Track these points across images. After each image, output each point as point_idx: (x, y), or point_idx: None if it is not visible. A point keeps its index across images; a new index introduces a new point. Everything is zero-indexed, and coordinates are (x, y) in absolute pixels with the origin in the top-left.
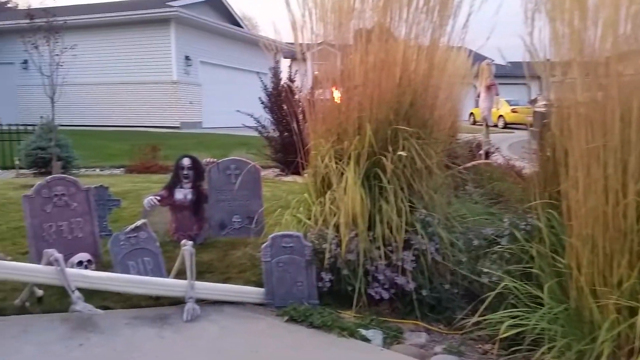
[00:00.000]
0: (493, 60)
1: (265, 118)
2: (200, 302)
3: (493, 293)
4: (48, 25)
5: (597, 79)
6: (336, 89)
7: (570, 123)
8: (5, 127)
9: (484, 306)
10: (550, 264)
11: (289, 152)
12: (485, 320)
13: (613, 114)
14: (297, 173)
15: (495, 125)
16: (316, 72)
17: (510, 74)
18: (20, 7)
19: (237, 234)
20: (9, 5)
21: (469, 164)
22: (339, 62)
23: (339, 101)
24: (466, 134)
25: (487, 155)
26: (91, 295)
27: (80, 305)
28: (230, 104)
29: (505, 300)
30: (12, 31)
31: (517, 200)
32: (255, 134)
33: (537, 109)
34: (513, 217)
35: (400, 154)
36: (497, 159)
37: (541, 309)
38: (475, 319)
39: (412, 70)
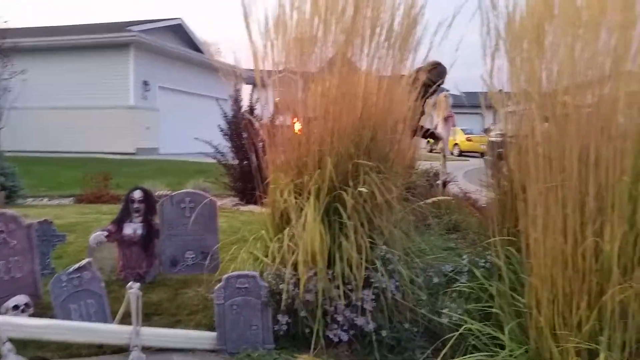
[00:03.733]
0: (449, 92)
1: (225, 146)
2: (147, 349)
3: (455, 335)
4: None
5: (553, 109)
6: (297, 120)
7: (528, 159)
8: None
9: (445, 350)
10: (510, 303)
11: (248, 181)
12: None
13: (571, 152)
14: (256, 203)
15: (452, 153)
16: (277, 99)
17: (464, 104)
18: None
19: (190, 271)
20: None
21: (430, 200)
22: (300, 91)
23: (299, 133)
24: (424, 162)
25: (445, 185)
26: (26, 343)
27: (12, 358)
28: (188, 130)
29: (466, 340)
30: None
31: (474, 233)
32: (214, 161)
33: (491, 138)
34: (472, 253)
35: (360, 190)
36: (453, 189)
37: (502, 351)
38: None
39: (373, 104)
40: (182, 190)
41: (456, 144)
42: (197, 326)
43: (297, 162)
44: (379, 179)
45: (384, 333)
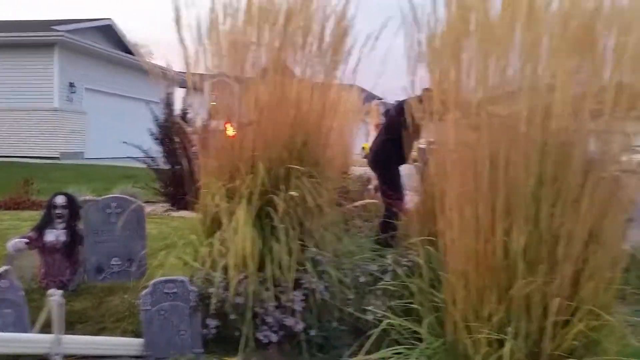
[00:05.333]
0: (383, 100)
1: (155, 150)
2: (70, 357)
3: (376, 330)
4: None
5: (469, 119)
6: (230, 125)
7: (446, 164)
8: None
9: (367, 345)
10: (429, 299)
11: (179, 187)
12: (368, 358)
13: (483, 158)
14: (188, 208)
15: None
16: (212, 103)
17: None
18: None
19: (117, 278)
20: None
21: (357, 203)
22: (233, 96)
23: (232, 138)
24: (359, 168)
25: (377, 190)
26: None
27: None
28: (117, 134)
29: (389, 335)
30: None
31: (400, 234)
32: (144, 165)
33: (420, 146)
34: (396, 253)
35: (291, 194)
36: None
37: (421, 344)
38: (359, 358)
39: (306, 110)
40: (108, 195)
41: None
42: (124, 333)
43: (230, 166)
44: (311, 183)
45: (312, 332)
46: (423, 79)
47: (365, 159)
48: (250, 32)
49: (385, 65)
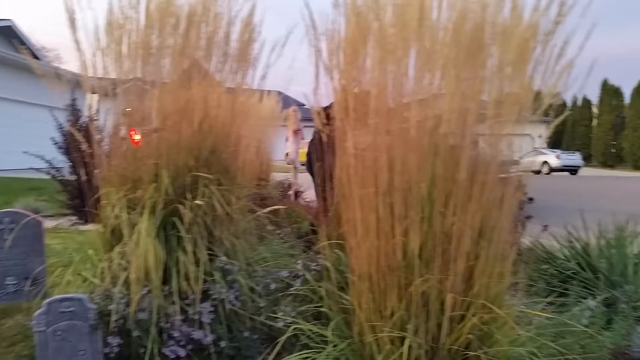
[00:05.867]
0: (303, 105)
1: (60, 160)
2: None
3: (283, 337)
4: None
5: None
6: (134, 132)
7: (349, 169)
8: None
9: (274, 351)
10: (337, 302)
11: (86, 199)
12: None
13: (382, 162)
14: (95, 221)
15: (303, 165)
16: (114, 110)
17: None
18: None
19: (12, 299)
20: None
21: (267, 209)
22: (138, 102)
23: (135, 145)
24: (282, 173)
25: (297, 195)
26: None
27: None
28: (21, 143)
29: (300, 341)
30: None
31: (314, 238)
32: (49, 177)
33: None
34: (307, 257)
35: (197, 203)
36: (306, 198)
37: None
38: None
39: (214, 116)
40: (3, 210)
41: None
42: (17, 358)
43: (132, 176)
44: (220, 191)
45: (223, 344)
46: (326, 85)
47: (290, 165)
48: (151, 35)
49: (292, 72)
